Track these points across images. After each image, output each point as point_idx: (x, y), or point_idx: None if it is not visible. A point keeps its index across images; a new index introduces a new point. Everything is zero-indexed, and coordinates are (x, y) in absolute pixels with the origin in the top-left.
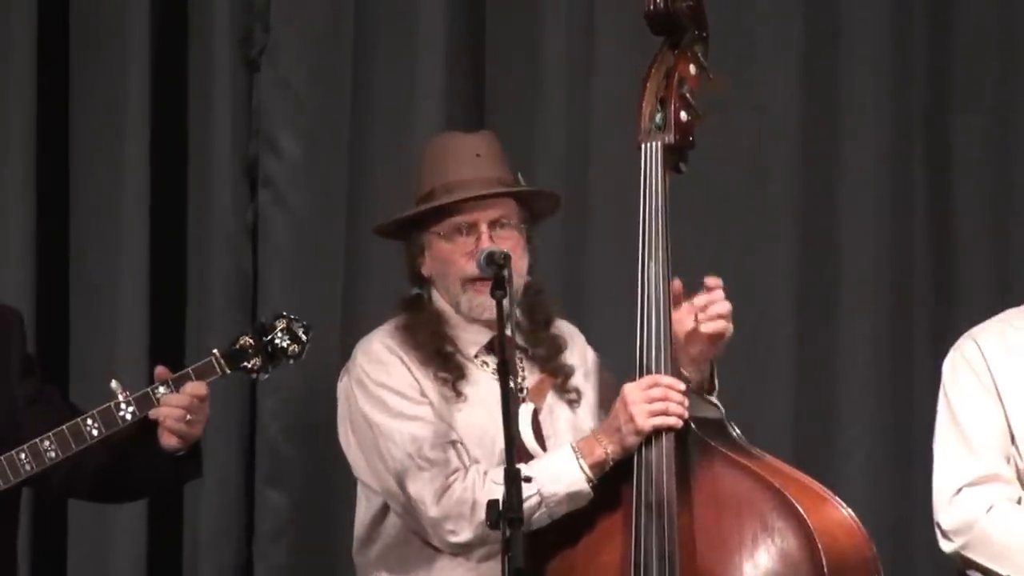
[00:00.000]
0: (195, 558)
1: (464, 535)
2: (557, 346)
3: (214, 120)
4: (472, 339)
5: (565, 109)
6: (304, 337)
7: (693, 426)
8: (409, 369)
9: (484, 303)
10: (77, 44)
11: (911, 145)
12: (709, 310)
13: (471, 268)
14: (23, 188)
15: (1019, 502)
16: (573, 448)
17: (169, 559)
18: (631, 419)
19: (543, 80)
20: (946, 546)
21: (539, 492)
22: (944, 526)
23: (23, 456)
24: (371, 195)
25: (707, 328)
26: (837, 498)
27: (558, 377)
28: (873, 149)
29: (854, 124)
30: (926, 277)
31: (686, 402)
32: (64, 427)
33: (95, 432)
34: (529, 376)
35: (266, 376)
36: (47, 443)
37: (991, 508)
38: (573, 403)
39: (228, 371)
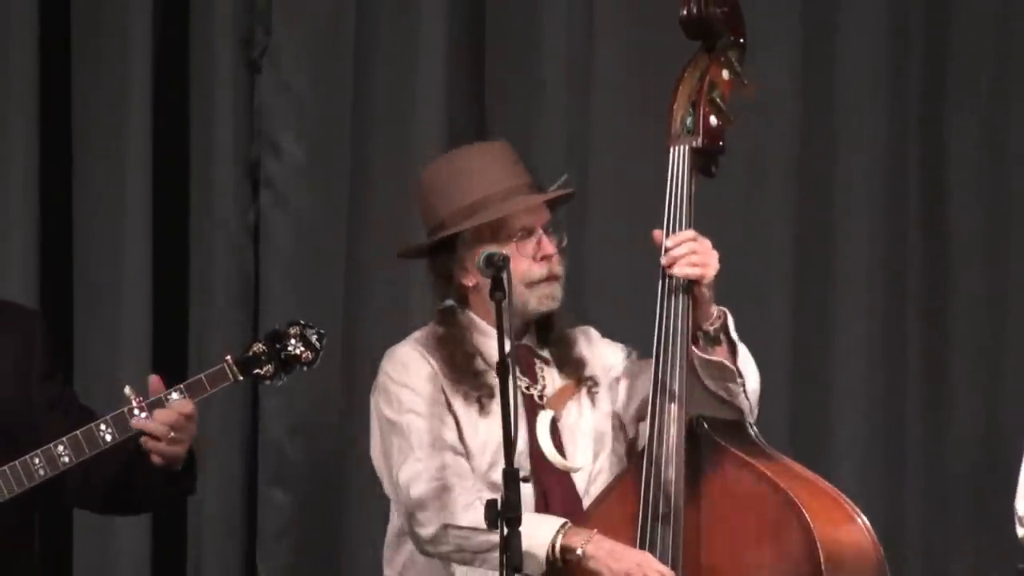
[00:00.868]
0: (199, 558)
1: (428, 529)
2: (580, 352)
3: (216, 122)
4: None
5: (565, 110)
6: (318, 344)
7: (706, 426)
8: (437, 375)
9: (552, 292)
10: (79, 45)
11: (907, 145)
12: (671, 254)
13: (537, 270)
14: (26, 189)
15: None
16: (564, 525)
17: (173, 558)
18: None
19: (543, 81)
20: (1021, 532)
21: None
22: (1020, 512)
23: (37, 461)
24: (372, 197)
25: (678, 272)
26: (849, 501)
27: (582, 384)
28: (869, 149)
29: (850, 124)
30: (921, 277)
31: None
32: (78, 432)
33: (108, 437)
34: (550, 383)
35: (280, 383)
36: (61, 448)
37: None
38: (596, 409)
39: (240, 378)
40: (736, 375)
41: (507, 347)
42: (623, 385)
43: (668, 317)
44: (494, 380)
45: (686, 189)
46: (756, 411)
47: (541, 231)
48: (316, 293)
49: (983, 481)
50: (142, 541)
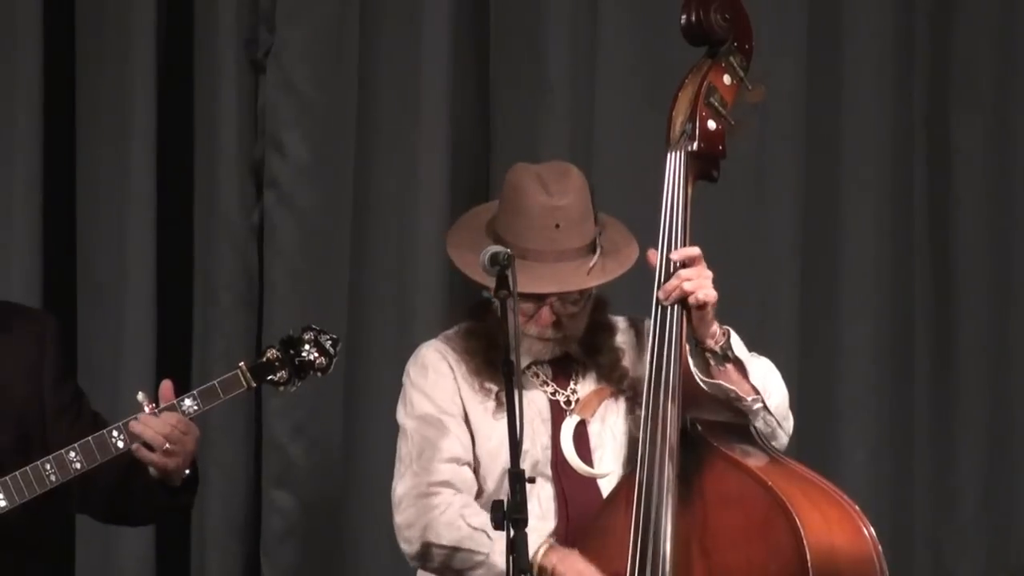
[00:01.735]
0: (202, 558)
1: (413, 546)
2: (616, 355)
3: (220, 121)
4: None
5: (569, 110)
6: (332, 350)
7: (699, 428)
8: (455, 377)
9: (544, 348)
10: (83, 44)
11: (912, 144)
12: (665, 287)
13: (531, 327)
14: (30, 189)
15: None
16: (543, 546)
17: (177, 559)
18: None
19: (548, 81)
20: None
21: (487, 555)
22: None
23: (48, 467)
24: (377, 195)
25: (667, 302)
26: (849, 501)
27: (617, 387)
28: (874, 149)
29: (855, 124)
30: (927, 277)
31: None
32: (90, 438)
33: (120, 444)
34: (582, 387)
35: (293, 389)
36: (72, 454)
37: None
38: (632, 415)
39: (254, 384)
40: (742, 395)
41: (511, 349)
42: None
43: (663, 328)
44: None
45: (682, 194)
46: (789, 424)
47: (549, 300)
48: (320, 292)
49: (991, 481)
50: (146, 542)
